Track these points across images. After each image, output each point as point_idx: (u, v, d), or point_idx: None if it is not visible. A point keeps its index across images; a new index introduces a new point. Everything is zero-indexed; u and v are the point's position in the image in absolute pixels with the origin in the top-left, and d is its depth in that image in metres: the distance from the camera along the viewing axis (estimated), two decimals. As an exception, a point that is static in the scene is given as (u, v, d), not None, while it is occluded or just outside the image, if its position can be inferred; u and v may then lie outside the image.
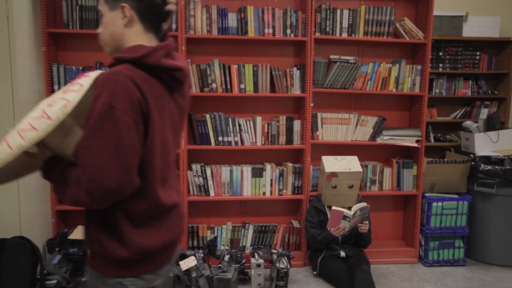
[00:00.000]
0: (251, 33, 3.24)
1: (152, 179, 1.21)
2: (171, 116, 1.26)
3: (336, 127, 3.44)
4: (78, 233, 2.99)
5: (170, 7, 1.29)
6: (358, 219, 3.02)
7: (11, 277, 2.56)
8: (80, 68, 3.13)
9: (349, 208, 2.97)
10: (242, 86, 3.26)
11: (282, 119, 3.35)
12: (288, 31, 3.27)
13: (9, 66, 2.70)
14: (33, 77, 2.95)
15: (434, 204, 3.46)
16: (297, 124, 3.38)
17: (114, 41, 1.26)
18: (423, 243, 3.56)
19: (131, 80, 1.12)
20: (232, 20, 3.21)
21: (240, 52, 3.43)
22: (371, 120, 3.45)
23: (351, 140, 3.48)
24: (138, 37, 1.25)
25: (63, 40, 3.24)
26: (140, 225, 1.22)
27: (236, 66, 3.24)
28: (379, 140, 3.45)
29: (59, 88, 3.11)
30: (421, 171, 3.50)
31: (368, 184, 3.53)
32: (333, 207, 2.97)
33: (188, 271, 2.85)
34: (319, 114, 3.41)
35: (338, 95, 3.57)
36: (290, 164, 3.38)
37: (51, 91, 3.11)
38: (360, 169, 3.17)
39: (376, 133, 3.47)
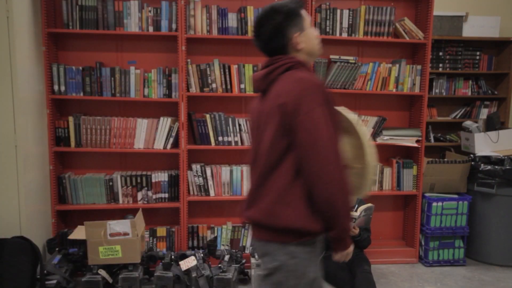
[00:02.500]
0: (251, 33, 3.23)
1: None
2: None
3: (336, 127, 3.43)
4: (78, 233, 2.99)
5: None
6: (363, 220, 3.01)
7: (11, 277, 2.56)
8: (80, 68, 3.13)
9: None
10: (242, 86, 3.26)
11: (282, 119, 3.34)
12: (288, 31, 3.26)
13: (9, 66, 2.70)
14: (33, 77, 2.95)
15: (434, 204, 3.47)
16: (297, 124, 3.37)
17: None
18: (423, 243, 3.56)
19: None
20: (232, 20, 3.21)
21: (240, 52, 3.43)
22: (371, 120, 3.45)
23: (351, 140, 3.47)
24: None
25: (63, 40, 3.24)
26: None
27: (236, 66, 3.24)
28: (379, 140, 3.45)
29: (58, 88, 3.11)
30: (421, 171, 3.50)
31: (368, 184, 3.52)
32: None
33: (188, 271, 2.86)
34: (319, 114, 3.40)
35: (338, 95, 3.57)
36: (290, 164, 3.38)
37: (51, 91, 3.11)
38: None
39: (376, 133, 3.47)
